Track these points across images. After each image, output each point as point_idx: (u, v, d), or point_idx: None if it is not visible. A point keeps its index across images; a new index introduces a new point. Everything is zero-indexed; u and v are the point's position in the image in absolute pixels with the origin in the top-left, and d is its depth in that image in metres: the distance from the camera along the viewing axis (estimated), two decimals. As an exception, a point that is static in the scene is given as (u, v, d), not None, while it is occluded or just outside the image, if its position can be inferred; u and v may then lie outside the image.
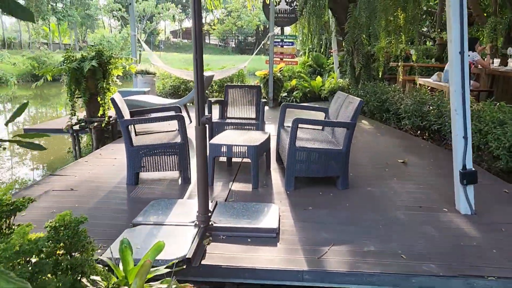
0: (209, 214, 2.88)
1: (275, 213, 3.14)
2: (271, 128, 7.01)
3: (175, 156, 3.93)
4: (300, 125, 3.89)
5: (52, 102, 17.03)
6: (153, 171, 3.95)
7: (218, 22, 48.28)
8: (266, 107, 9.76)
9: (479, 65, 7.46)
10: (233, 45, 54.62)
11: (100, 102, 5.84)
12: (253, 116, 5.66)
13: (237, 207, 3.27)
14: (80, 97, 5.81)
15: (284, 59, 12.52)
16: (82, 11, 42.57)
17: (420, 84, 8.97)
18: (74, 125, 5.85)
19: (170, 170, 3.99)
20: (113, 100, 3.79)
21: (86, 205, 3.41)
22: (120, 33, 30.94)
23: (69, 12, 42.50)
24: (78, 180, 4.04)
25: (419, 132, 6.94)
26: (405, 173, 4.54)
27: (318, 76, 11.36)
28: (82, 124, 5.93)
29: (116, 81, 6.17)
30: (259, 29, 44.89)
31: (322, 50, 13.32)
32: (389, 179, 4.30)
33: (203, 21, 57.86)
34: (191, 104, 9.25)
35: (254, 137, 4.21)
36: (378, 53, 8.55)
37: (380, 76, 9.30)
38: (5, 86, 21.64)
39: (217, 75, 9.72)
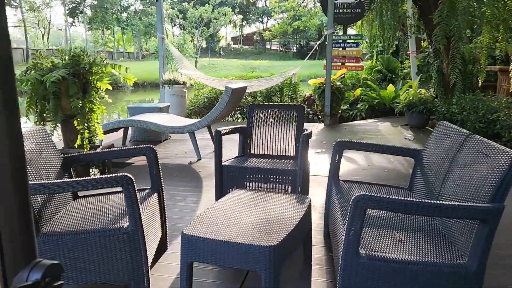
0: None
1: None
2: (323, 162, 4.89)
3: (120, 254, 2.01)
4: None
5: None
6: (79, 283, 2.05)
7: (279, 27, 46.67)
8: (321, 126, 7.62)
9: None
10: (295, 50, 52.71)
11: (78, 128, 4.13)
12: (291, 153, 3.61)
13: None
14: (50, 121, 4.14)
15: (346, 64, 10.32)
16: (145, 21, 43.15)
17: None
18: (42, 160, 4.18)
19: (111, 283, 2.06)
20: None
21: None
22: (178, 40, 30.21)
23: (132, 21, 43.31)
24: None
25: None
26: None
27: (390, 85, 8.97)
28: (56, 157, 4.25)
29: (104, 97, 4.45)
30: (322, 31, 42.44)
31: (394, 52, 10.87)
32: None
33: (264, 26, 56.67)
34: (225, 120, 7.36)
35: (277, 216, 2.17)
36: (481, 53, 6.08)
37: (479, 86, 6.80)
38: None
39: (260, 84, 7.77)
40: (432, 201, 1.71)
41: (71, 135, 4.35)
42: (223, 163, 3.24)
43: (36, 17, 42.76)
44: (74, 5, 41.35)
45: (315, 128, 7.42)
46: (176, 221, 3.20)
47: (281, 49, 54.19)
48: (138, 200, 2.36)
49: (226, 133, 3.30)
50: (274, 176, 3.14)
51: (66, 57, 4.18)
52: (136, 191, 2.52)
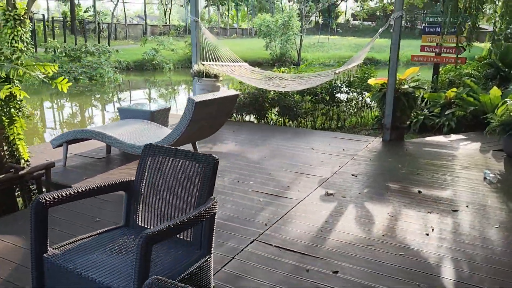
0: None
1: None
2: (320, 218, 3.19)
3: None
4: None
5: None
6: None
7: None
8: (376, 142, 5.66)
9: None
10: (421, 27, 46.19)
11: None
12: (189, 237, 2.16)
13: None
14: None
15: (442, 55, 7.91)
16: (260, -3, 42.40)
17: None
18: None
19: None
20: None
21: None
22: (281, 17, 28.54)
23: (246, -3, 42.99)
24: None
25: None
26: None
27: (495, 87, 6.38)
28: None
29: (25, 109, 3.50)
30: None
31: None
32: None
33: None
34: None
35: None
36: None
37: None
38: (162, 72, 22.15)
39: (297, 84, 6.06)
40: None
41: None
42: (47, 254, 1.97)
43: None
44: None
45: (364, 145, 5.54)
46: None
47: (407, 25, 48.33)
48: None
49: (51, 205, 2.00)
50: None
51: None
52: None
